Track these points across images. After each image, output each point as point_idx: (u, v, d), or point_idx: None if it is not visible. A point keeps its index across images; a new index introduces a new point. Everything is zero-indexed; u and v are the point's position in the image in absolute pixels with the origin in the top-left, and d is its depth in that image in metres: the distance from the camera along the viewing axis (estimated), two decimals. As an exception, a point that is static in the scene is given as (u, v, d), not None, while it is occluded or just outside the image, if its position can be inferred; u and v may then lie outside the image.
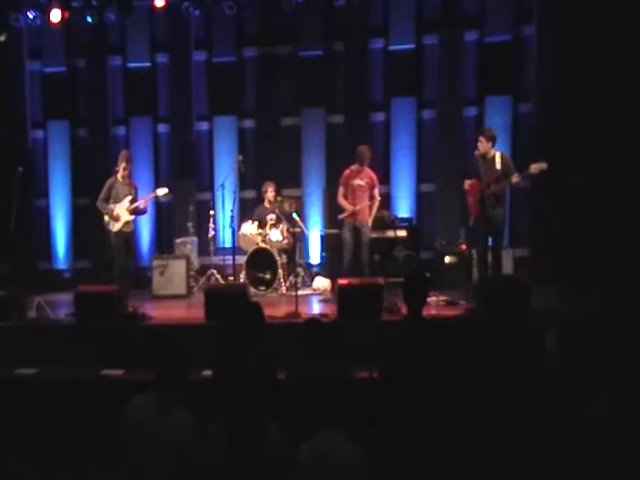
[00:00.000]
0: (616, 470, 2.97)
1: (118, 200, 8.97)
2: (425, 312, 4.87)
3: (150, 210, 11.14)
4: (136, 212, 9.20)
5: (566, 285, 8.56)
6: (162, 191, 9.54)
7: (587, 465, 3.05)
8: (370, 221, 9.19)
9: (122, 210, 8.99)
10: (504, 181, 7.98)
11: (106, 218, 8.95)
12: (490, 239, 8.26)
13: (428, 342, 4.55)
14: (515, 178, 7.87)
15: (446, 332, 4.81)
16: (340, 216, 9.24)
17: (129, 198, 9.05)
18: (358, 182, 9.03)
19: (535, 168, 7.72)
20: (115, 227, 8.95)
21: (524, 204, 10.58)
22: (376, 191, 9.13)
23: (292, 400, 4.45)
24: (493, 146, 8.18)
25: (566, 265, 9.22)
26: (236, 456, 3.92)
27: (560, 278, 8.96)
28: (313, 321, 5.35)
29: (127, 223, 9.07)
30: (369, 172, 9.11)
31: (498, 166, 8.02)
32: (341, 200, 9.16)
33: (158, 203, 11.81)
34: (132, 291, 9.27)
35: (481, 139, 8.20)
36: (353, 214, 8.99)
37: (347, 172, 9.17)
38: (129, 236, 9.23)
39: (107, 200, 8.98)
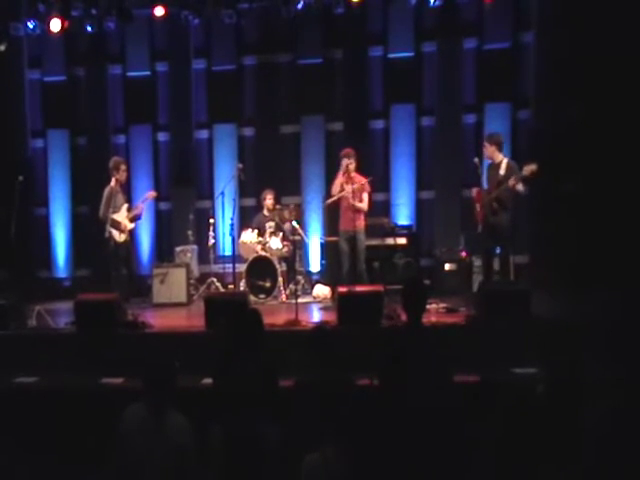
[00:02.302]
0: (616, 472, 2.97)
1: (117, 208, 8.96)
2: (425, 319, 4.87)
3: (150, 218, 11.15)
4: (135, 219, 9.25)
5: (567, 291, 8.58)
6: (152, 194, 9.63)
7: (587, 468, 3.05)
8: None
9: (123, 219, 9.01)
10: (504, 186, 8.03)
11: (111, 230, 8.88)
12: (497, 246, 8.34)
13: (427, 349, 4.55)
14: (511, 181, 7.92)
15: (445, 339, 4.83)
16: (329, 200, 9.17)
17: (126, 206, 9.08)
18: (348, 187, 8.95)
19: (526, 170, 7.81)
20: (121, 237, 8.95)
21: (524, 210, 10.58)
22: (364, 196, 8.96)
23: (298, 406, 4.44)
24: (500, 151, 8.28)
25: (566, 271, 9.23)
26: (236, 462, 3.92)
27: (560, 284, 8.97)
28: (323, 328, 5.34)
29: (130, 231, 9.11)
30: (359, 177, 9.03)
31: (502, 172, 8.12)
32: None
33: (158, 211, 11.82)
34: (132, 299, 9.27)
35: (485, 144, 8.29)
36: (350, 223, 8.90)
37: (340, 179, 9.10)
38: (130, 244, 9.27)
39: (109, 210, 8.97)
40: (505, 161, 8.22)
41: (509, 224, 8.29)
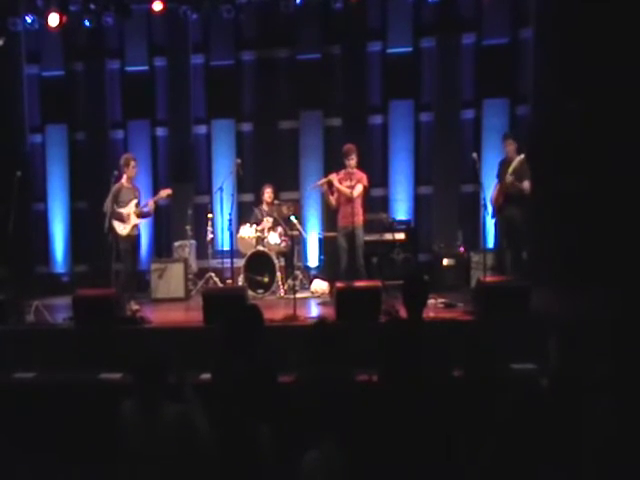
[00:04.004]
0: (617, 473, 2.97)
1: (124, 204, 8.99)
2: (423, 314, 4.87)
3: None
4: (143, 215, 9.25)
5: (565, 287, 8.60)
6: (166, 192, 9.56)
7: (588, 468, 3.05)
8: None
9: (130, 212, 9.02)
10: (509, 183, 8.39)
11: (115, 223, 8.90)
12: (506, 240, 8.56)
13: (428, 344, 4.55)
14: (508, 178, 8.23)
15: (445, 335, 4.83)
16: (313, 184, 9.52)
17: (135, 202, 9.09)
18: (348, 183, 9.01)
19: (516, 162, 8.46)
20: (124, 231, 8.96)
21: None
22: (359, 187, 9.00)
23: (297, 402, 4.45)
24: (515, 149, 8.53)
25: (565, 267, 9.25)
26: (233, 458, 3.93)
27: (559, 280, 8.99)
28: (324, 321, 5.33)
29: (134, 226, 9.10)
30: (359, 173, 9.09)
31: (510, 170, 8.43)
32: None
33: (156, 206, 11.80)
34: (134, 294, 9.29)
35: (508, 141, 8.82)
36: (349, 218, 8.95)
37: (340, 174, 9.15)
38: (135, 240, 9.26)
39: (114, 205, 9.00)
40: (517, 159, 8.54)
41: (520, 219, 8.48)
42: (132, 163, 9.11)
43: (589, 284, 8.33)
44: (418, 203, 11.43)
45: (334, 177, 9.06)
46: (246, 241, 10.07)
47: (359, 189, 8.97)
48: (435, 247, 10.74)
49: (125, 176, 9.05)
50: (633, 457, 2.90)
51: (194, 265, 10.90)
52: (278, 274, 9.78)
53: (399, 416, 4.30)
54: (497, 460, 3.40)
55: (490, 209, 8.68)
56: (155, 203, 9.64)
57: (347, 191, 8.93)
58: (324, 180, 9.25)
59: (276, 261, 9.81)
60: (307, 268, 11.03)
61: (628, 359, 3.40)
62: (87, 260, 11.73)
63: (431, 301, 8.20)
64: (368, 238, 9.47)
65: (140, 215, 9.15)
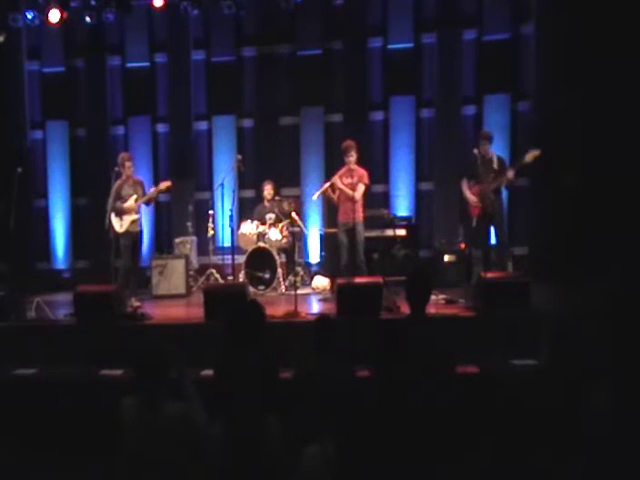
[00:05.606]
0: (616, 464, 2.97)
1: (124, 201, 9.05)
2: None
3: (149, 210, 11.11)
4: (145, 203, 9.30)
5: (565, 283, 8.59)
6: (165, 184, 9.55)
7: (588, 460, 3.05)
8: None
9: (128, 209, 9.05)
10: (501, 178, 8.36)
11: (113, 219, 8.94)
12: (495, 237, 8.64)
13: (431, 340, 4.55)
14: (510, 173, 8.26)
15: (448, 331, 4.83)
16: (316, 193, 9.30)
17: (134, 197, 9.11)
18: (348, 180, 8.99)
19: (529, 156, 8.16)
20: (121, 228, 8.98)
21: (523, 202, 10.60)
22: (360, 187, 8.93)
23: (298, 398, 4.45)
24: (491, 146, 8.62)
25: (565, 263, 9.24)
26: (237, 454, 3.92)
27: (559, 276, 8.98)
28: (325, 318, 5.33)
29: (134, 222, 9.11)
30: (359, 170, 9.06)
31: (495, 166, 8.46)
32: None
33: (157, 203, 11.81)
34: (137, 291, 9.30)
35: (482, 141, 8.62)
36: (349, 214, 8.93)
37: (341, 171, 9.14)
38: (136, 236, 9.26)
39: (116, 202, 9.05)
40: (496, 156, 8.60)
41: (501, 209, 8.71)
42: (127, 164, 9.15)
43: (588, 280, 8.32)
44: (419, 199, 11.43)
45: (336, 179, 9.00)
46: (247, 237, 10.07)
47: (361, 190, 8.92)
48: (436, 243, 10.74)
49: (124, 174, 9.10)
50: (630, 452, 2.89)
51: (195, 261, 10.91)
52: (279, 270, 9.78)
53: (400, 413, 4.30)
54: (496, 457, 3.40)
55: (475, 209, 8.61)
56: (160, 193, 9.65)
57: (350, 193, 8.89)
58: (326, 186, 9.12)
59: (277, 257, 9.81)
60: (308, 264, 11.04)
61: (626, 354, 3.40)
62: (88, 256, 11.75)
63: (432, 297, 8.20)
64: (369, 234, 9.45)
65: (137, 209, 9.17)
